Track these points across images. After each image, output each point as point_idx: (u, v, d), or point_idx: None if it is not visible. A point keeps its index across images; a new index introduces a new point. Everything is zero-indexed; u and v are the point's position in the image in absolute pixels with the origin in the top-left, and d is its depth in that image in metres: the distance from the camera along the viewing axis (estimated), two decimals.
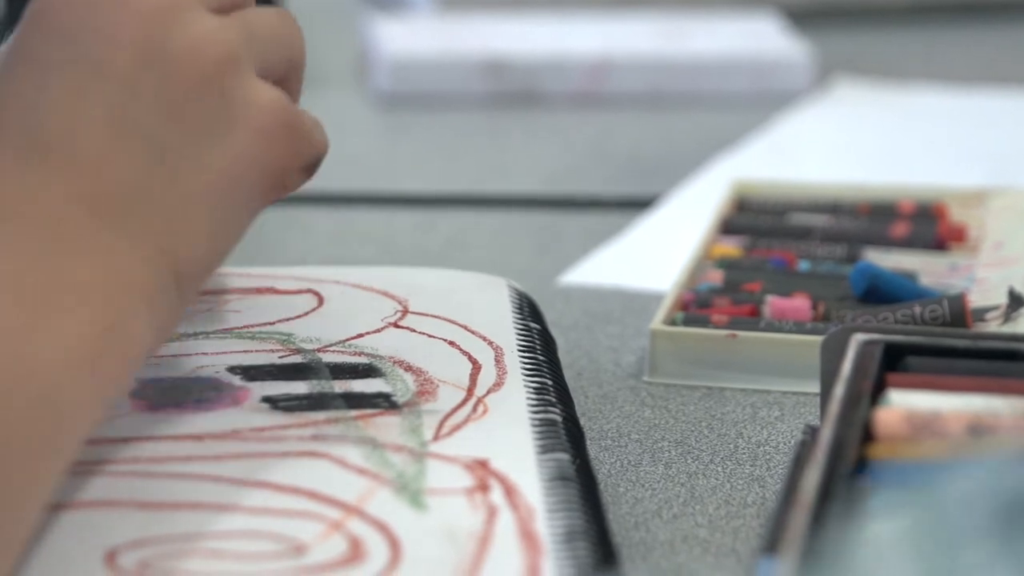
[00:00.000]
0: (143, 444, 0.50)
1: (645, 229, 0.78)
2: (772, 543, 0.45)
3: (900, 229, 0.72)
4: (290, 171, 0.50)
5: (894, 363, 0.52)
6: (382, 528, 0.46)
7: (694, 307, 0.64)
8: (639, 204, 0.81)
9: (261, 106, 0.49)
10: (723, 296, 0.65)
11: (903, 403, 0.49)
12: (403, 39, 1.06)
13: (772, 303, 0.64)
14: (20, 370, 0.43)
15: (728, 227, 0.73)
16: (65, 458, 0.44)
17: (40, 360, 0.43)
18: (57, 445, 0.44)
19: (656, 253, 0.75)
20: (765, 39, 1.06)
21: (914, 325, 0.62)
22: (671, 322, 0.62)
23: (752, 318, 0.63)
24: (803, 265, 0.69)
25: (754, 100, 1.00)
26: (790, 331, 0.62)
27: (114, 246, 0.46)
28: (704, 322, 0.62)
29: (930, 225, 0.72)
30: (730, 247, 0.71)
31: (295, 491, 0.48)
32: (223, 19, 0.50)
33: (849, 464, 0.46)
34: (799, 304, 0.64)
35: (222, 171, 0.49)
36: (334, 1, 1.22)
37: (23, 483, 0.42)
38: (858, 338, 0.52)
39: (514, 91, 1.00)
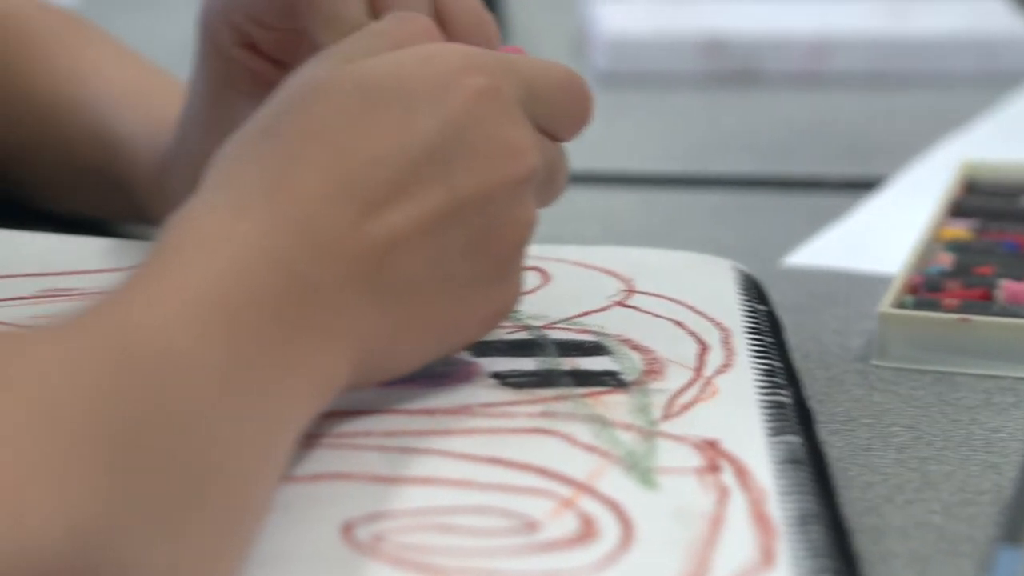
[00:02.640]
0: (377, 417, 0.51)
1: (870, 210, 0.77)
2: (1012, 533, 0.45)
3: None
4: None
5: None
6: (613, 506, 0.46)
7: (923, 290, 0.64)
8: (861, 185, 0.80)
9: (512, 294, 0.53)
10: (954, 279, 0.65)
11: None
12: (621, 18, 1.07)
13: (1006, 287, 0.63)
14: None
15: (957, 209, 0.73)
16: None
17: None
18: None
19: (882, 235, 0.75)
20: (991, 18, 1.04)
21: None
22: (900, 305, 0.62)
23: (985, 302, 0.63)
24: None
25: (980, 80, 0.99)
26: None
27: (324, 348, 0.49)
28: (934, 306, 0.62)
29: None
30: (960, 230, 0.71)
31: (525, 467, 0.48)
32: (533, 138, 0.52)
33: None
34: None
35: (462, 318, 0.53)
36: None
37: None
38: None
39: (732, 70, 1.00)
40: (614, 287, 0.61)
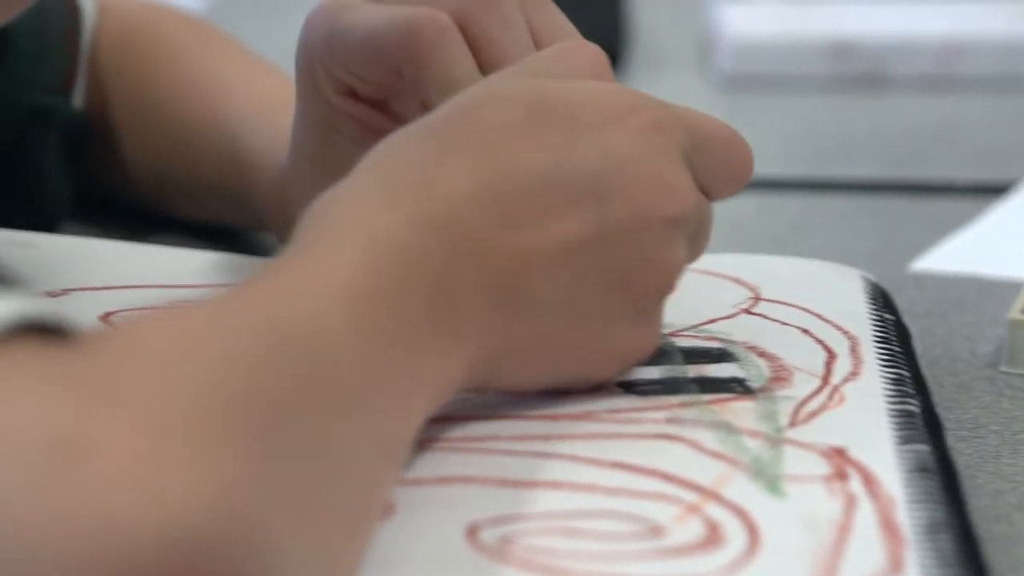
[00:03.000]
0: (502, 423, 0.51)
1: (1000, 215, 0.77)
2: None
3: None
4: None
5: None
6: (740, 513, 0.46)
7: None
8: (991, 190, 0.80)
9: (648, 340, 0.54)
10: None
11: None
12: (746, 21, 1.08)
13: None
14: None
15: None
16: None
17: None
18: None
19: (1012, 240, 0.75)
20: None
21: None
22: None
23: None
24: None
25: None
26: None
27: (448, 348, 0.49)
28: None
29: None
30: None
31: (651, 473, 0.48)
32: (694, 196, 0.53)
33: None
34: None
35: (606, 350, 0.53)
36: None
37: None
38: None
39: (859, 73, 1.00)
40: (741, 295, 0.61)
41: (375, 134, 0.55)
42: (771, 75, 1.02)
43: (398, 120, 0.60)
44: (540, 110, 0.51)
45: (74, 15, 0.76)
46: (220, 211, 0.77)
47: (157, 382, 0.41)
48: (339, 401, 0.45)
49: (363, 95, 0.62)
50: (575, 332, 0.53)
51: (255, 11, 1.17)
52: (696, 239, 0.54)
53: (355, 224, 0.48)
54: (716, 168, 0.54)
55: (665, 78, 1.06)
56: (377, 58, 0.59)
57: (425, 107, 0.57)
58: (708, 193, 0.54)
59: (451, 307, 0.49)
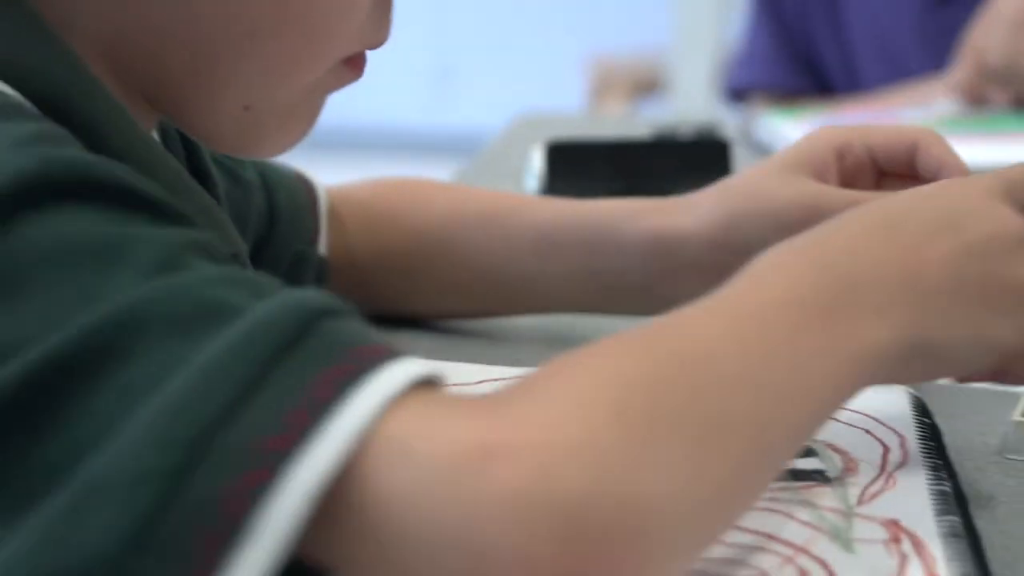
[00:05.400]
0: None
1: None
2: None
3: None
4: None
5: None
6: (823, 564, 0.55)
7: None
8: None
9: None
10: None
11: None
12: None
13: None
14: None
15: None
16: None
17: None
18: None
19: None
20: None
21: None
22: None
23: None
24: None
25: None
26: None
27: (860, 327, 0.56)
28: None
29: None
30: None
31: (759, 533, 0.56)
32: None
33: None
34: None
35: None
36: None
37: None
38: None
39: None
40: None
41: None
42: None
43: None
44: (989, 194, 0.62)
45: (311, 193, 0.91)
46: (457, 305, 0.91)
47: (584, 385, 0.47)
48: (735, 378, 0.50)
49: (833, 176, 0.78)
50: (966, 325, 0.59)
51: None
52: None
53: (771, 265, 0.56)
54: None
55: None
56: (897, 152, 0.76)
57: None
58: None
59: (855, 301, 0.55)
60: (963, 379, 0.65)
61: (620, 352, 0.50)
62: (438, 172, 1.15)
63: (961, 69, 1.52)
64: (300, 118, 0.65)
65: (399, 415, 0.45)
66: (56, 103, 0.55)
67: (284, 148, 0.66)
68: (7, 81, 0.55)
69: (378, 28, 0.64)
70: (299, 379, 0.45)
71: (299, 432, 0.44)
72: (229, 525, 0.43)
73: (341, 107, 0.92)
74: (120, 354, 0.46)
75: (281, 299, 0.48)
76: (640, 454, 0.45)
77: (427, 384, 0.47)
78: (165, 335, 0.46)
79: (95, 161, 0.51)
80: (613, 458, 0.45)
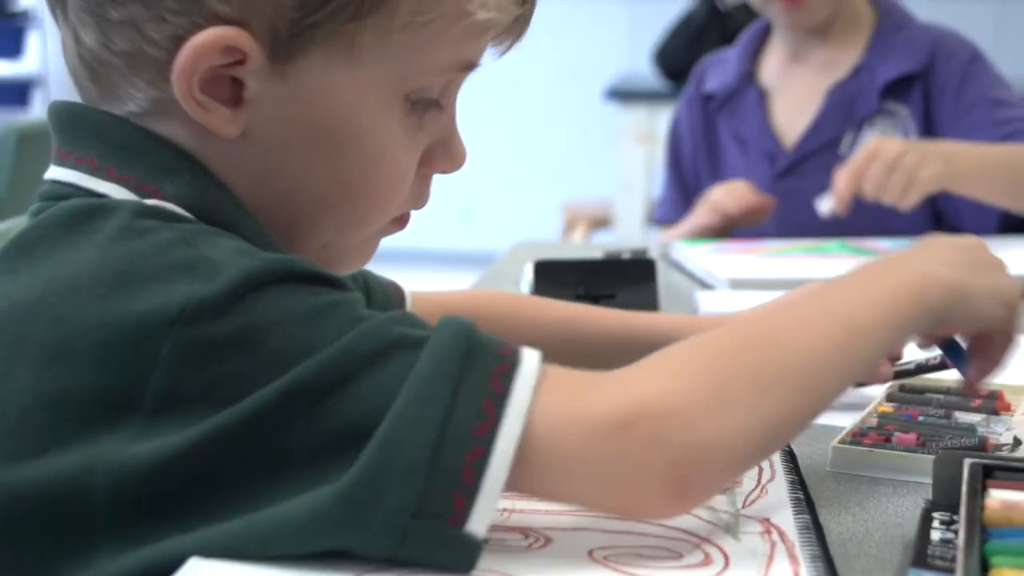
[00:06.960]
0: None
1: None
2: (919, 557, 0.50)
3: None
4: None
5: (989, 473, 0.56)
6: (719, 549, 0.54)
7: (857, 436, 0.69)
8: None
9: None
10: (874, 431, 0.69)
11: (998, 496, 0.54)
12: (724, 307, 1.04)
13: (897, 436, 0.67)
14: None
15: (891, 397, 0.75)
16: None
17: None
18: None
19: None
20: None
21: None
22: (842, 442, 0.68)
23: (886, 442, 0.67)
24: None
25: None
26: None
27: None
28: (859, 443, 0.67)
29: None
30: (887, 407, 0.73)
31: (675, 528, 0.55)
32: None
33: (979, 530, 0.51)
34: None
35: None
36: None
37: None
38: (967, 461, 0.57)
39: None
40: None
41: None
42: None
43: None
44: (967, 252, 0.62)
45: (399, 293, 0.82)
46: None
47: (686, 357, 0.50)
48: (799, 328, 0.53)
49: None
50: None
51: None
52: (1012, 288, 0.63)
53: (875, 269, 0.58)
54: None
55: None
56: None
57: None
58: None
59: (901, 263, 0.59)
60: (978, 338, 0.65)
61: (720, 333, 0.52)
62: (462, 282, 1.13)
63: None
64: (361, 255, 0.64)
65: (550, 386, 0.48)
66: (233, 230, 0.55)
67: (348, 272, 0.64)
68: (197, 215, 0.55)
69: (419, 197, 0.63)
70: (483, 380, 0.47)
71: (494, 420, 0.47)
72: (469, 487, 0.46)
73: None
74: (351, 376, 0.47)
75: (447, 326, 0.49)
76: (723, 411, 0.48)
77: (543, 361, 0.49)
78: (370, 365, 0.48)
79: (291, 258, 0.52)
80: (702, 415, 0.48)
